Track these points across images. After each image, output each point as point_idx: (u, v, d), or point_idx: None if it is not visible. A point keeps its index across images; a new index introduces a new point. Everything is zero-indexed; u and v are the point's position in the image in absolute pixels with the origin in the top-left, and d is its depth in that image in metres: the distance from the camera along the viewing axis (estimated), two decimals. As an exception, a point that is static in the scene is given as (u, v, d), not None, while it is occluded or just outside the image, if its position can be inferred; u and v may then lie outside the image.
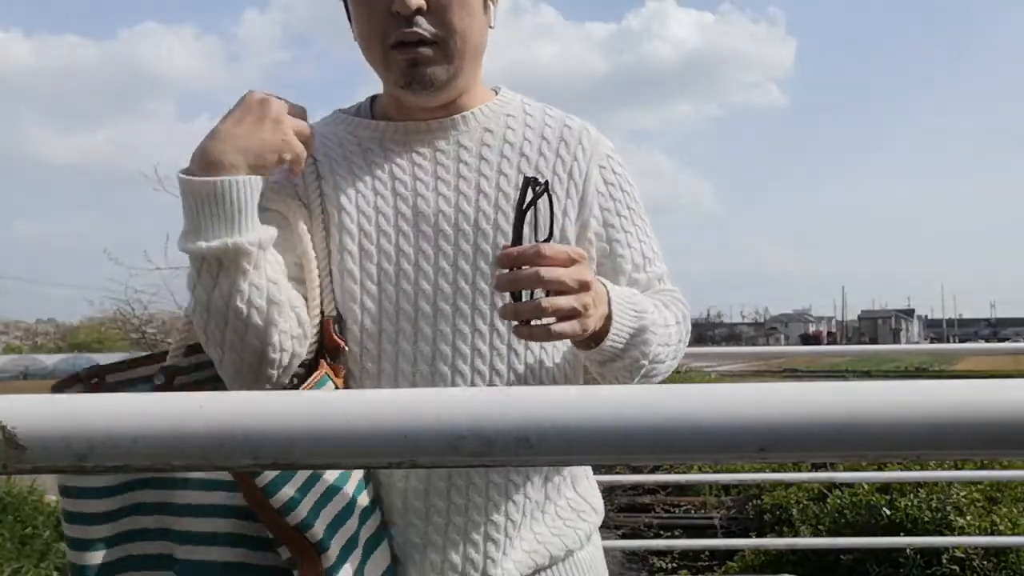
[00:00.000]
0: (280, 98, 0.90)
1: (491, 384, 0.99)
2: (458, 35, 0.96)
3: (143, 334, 7.28)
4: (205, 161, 0.85)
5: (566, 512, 1.05)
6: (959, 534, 3.42)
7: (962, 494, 3.66)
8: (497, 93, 1.08)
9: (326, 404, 0.42)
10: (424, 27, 0.94)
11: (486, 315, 0.97)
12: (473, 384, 0.98)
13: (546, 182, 0.88)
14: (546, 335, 0.84)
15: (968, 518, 3.52)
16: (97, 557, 0.91)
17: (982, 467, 3.73)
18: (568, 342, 0.96)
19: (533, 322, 0.83)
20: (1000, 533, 3.45)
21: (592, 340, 0.90)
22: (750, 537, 4.51)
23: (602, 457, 0.42)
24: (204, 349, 0.91)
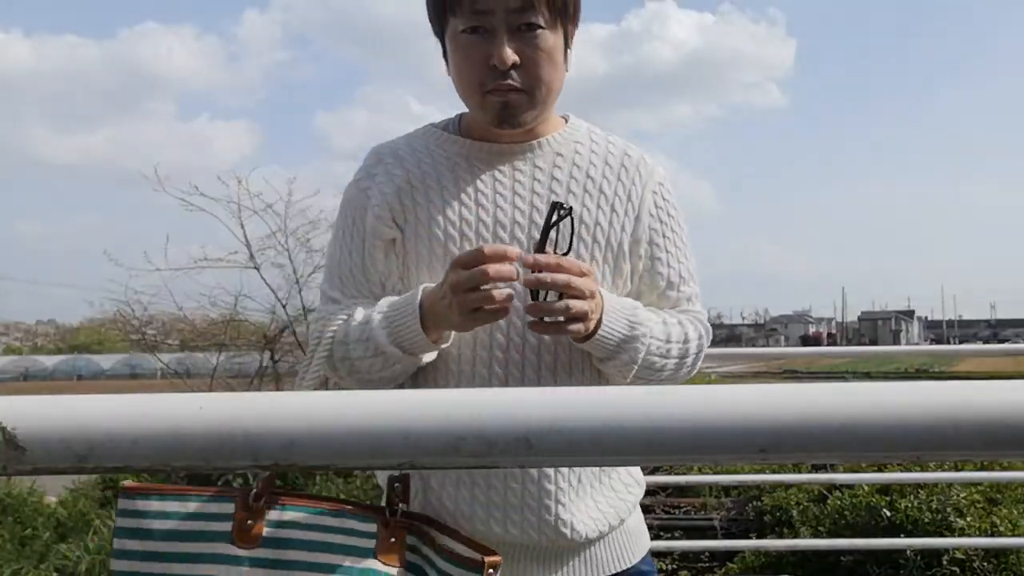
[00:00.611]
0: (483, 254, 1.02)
1: (552, 365, 1.15)
2: (544, 85, 1.13)
3: (143, 335, 7.27)
4: (424, 317, 1.07)
5: (618, 485, 1.21)
6: (959, 535, 3.41)
7: (962, 495, 3.65)
8: (567, 121, 1.24)
9: (326, 405, 0.42)
10: (516, 79, 1.11)
11: None
12: (539, 367, 1.14)
13: (570, 208, 1.06)
14: (557, 330, 1.06)
15: (968, 519, 3.51)
16: None
17: (982, 468, 3.72)
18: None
19: (546, 319, 1.04)
20: (1000, 534, 3.44)
21: (586, 338, 1.08)
22: (750, 538, 4.50)
23: (603, 458, 0.42)
24: (339, 366, 1.14)
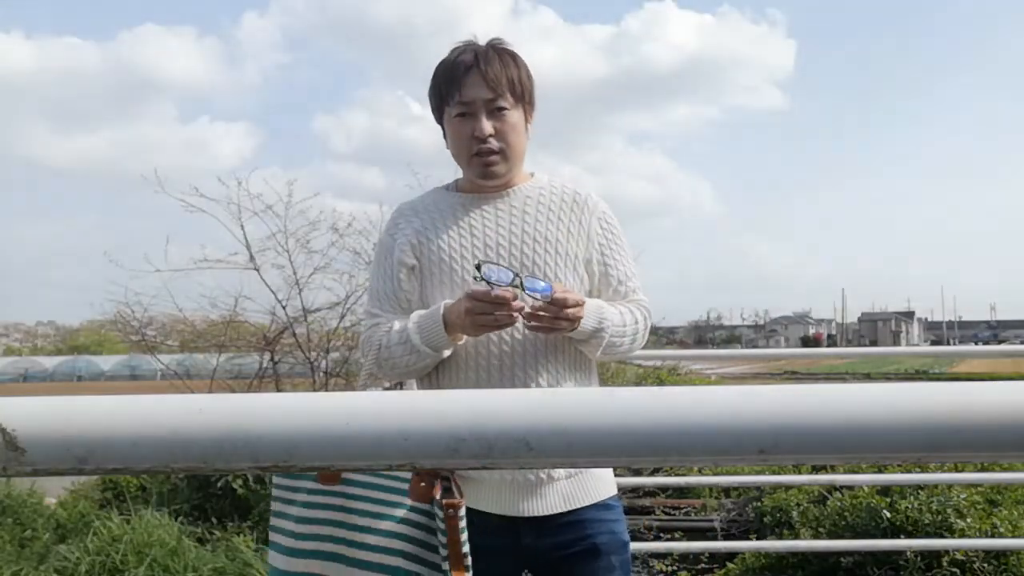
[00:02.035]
0: (480, 295, 1.46)
1: (522, 346, 1.57)
2: (512, 148, 1.63)
3: (143, 336, 7.25)
4: (447, 326, 1.53)
5: None
6: (959, 536, 3.41)
7: (962, 496, 3.65)
8: (533, 175, 1.74)
9: (326, 407, 0.42)
10: (493, 144, 1.61)
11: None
12: (526, 350, 1.57)
13: (478, 264, 1.49)
14: (549, 331, 1.54)
15: (968, 520, 3.51)
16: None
17: (982, 469, 3.72)
18: None
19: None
20: (1000, 536, 3.44)
21: (571, 330, 1.54)
22: (750, 539, 4.51)
23: (603, 459, 0.42)
24: (383, 364, 1.60)
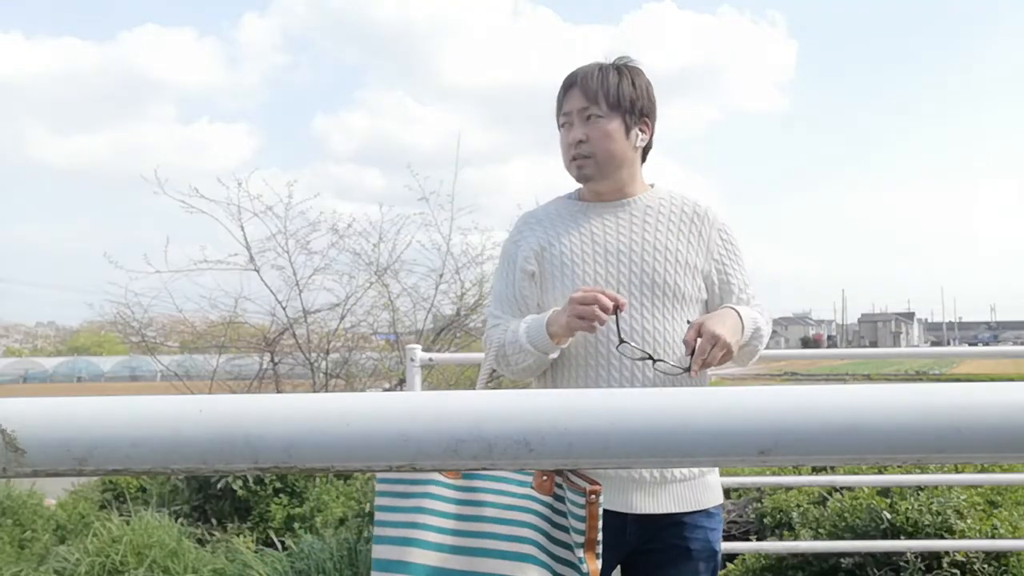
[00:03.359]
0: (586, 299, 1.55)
1: (644, 353, 1.63)
2: (602, 152, 1.72)
3: (143, 337, 7.25)
4: (549, 329, 1.63)
5: None
6: (959, 538, 3.40)
7: (962, 498, 3.65)
8: (652, 186, 1.83)
9: (326, 407, 0.42)
10: (583, 149, 1.73)
11: (641, 311, 1.68)
12: (635, 353, 1.64)
13: (648, 356, 1.62)
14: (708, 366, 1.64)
15: (969, 522, 3.50)
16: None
17: (982, 470, 3.71)
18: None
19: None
20: (1001, 537, 3.43)
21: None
22: (750, 540, 4.50)
23: (602, 461, 0.42)
24: (501, 361, 1.74)
